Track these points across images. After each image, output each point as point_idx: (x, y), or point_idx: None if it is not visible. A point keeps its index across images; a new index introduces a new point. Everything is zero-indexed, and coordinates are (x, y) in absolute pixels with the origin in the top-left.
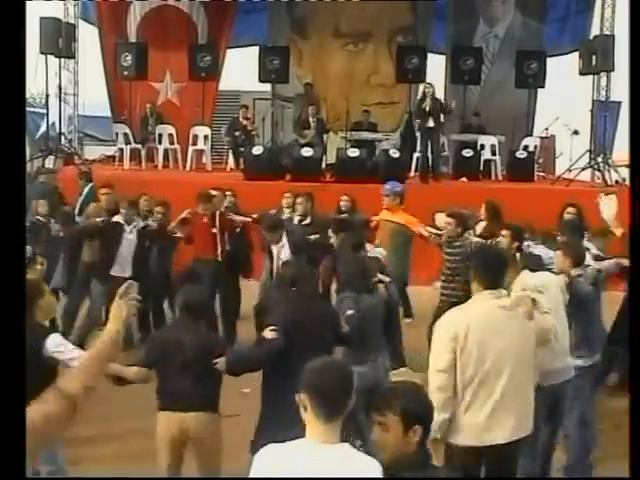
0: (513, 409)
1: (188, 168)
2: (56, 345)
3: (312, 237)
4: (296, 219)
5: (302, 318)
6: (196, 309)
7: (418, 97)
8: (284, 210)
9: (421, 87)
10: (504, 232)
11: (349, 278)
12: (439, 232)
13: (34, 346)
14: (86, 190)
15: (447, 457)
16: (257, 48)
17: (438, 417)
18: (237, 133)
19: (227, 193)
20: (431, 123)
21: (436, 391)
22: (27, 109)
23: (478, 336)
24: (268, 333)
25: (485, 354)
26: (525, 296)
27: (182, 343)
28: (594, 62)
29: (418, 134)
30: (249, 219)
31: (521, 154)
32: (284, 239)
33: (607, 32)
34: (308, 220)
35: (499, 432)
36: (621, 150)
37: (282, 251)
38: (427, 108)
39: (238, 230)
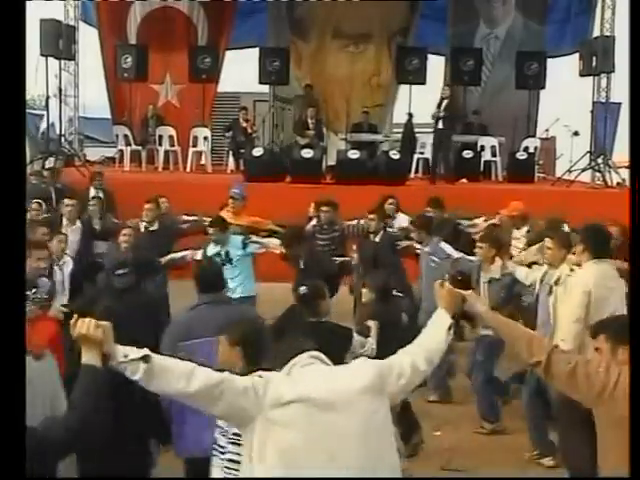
0: None
1: (188, 170)
2: None
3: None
4: (142, 225)
5: None
6: None
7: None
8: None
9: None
10: (370, 215)
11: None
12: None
13: None
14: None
15: None
16: (257, 50)
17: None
18: (237, 135)
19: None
20: (444, 125)
21: (572, 340)
22: (27, 111)
23: (600, 292)
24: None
25: (604, 306)
26: None
27: None
28: (594, 63)
29: (431, 135)
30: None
31: (521, 155)
32: None
33: (607, 33)
34: (156, 226)
35: None
36: (621, 151)
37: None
38: (442, 110)
39: None
